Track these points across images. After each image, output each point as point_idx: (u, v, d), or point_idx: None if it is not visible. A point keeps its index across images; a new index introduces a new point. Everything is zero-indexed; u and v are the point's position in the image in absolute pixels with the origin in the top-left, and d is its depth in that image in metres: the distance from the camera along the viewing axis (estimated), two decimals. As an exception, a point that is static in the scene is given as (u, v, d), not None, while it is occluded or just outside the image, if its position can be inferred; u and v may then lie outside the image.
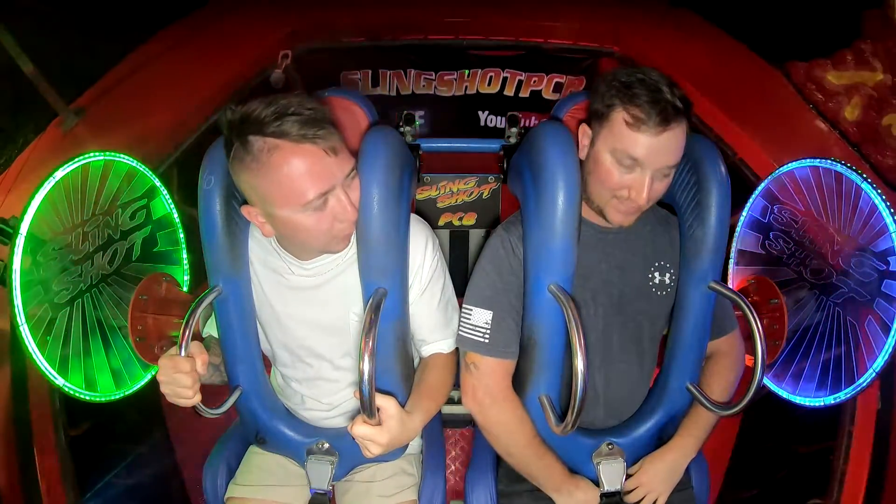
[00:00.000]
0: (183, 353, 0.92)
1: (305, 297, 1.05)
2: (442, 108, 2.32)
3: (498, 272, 1.05)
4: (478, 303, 1.05)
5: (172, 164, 1.50)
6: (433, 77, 2.27)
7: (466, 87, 2.30)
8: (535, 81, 2.28)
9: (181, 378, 0.91)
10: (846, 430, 1.30)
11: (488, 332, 1.03)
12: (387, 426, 0.92)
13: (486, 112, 2.36)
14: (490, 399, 1.04)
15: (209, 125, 1.55)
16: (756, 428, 1.59)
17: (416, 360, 1.18)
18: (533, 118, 2.32)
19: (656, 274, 1.10)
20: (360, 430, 0.90)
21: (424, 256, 1.06)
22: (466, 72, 2.26)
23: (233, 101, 1.53)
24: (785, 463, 1.51)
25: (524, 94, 2.29)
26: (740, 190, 1.46)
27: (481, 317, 1.03)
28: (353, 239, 0.99)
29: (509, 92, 2.29)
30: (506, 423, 1.04)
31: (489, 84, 2.29)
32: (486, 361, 1.04)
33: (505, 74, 2.26)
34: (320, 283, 1.04)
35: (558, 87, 2.28)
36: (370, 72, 2.25)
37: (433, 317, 1.10)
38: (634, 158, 0.92)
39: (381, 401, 0.92)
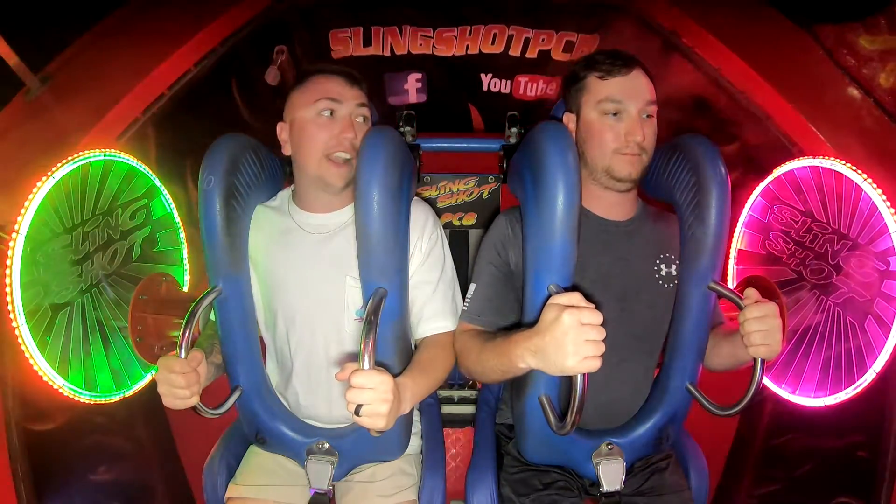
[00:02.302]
0: (182, 355, 0.92)
1: (307, 256, 1.09)
2: (441, 71, 2.11)
3: (486, 249, 1.12)
4: (472, 278, 1.13)
5: (149, 128, 1.44)
6: (431, 34, 2.01)
7: (468, 46, 2.04)
8: (543, 40, 2.02)
9: (177, 379, 0.91)
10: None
11: (469, 300, 1.11)
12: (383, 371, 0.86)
13: (490, 75, 2.15)
14: (455, 346, 1.10)
15: (180, 87, 1.47)
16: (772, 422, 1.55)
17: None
18: (540, 82, 2.13)
19: (662, 266, 1.11)
20: (359, 379, 0.82)
21: (424, 229, 1.10)
22: (468, 29, 2.00)
23: (205, 62, 1.50)
24: (808, 458, 1.45)
25: (531, 54, 2.04)
26: (764, 163, 1.42)
27: (470, 289, 1.12)
28: (349, 209, 1.09)
29: (515, 52, 2.04)
30: (463, 349, 1.08)
31: (493, 43, 2.03)
32: (460, 324, 1.12)
33: (510, 32, 2.01)
34: (321, 240, 1.10)
35: (569, 47, 2.02)
36: (361, 29, 2.00)
37: (429, 292, 1.10)
38: (617, 100, 1.03)
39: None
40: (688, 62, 1.58)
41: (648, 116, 1.04)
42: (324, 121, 1.04)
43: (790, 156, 1.35)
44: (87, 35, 1.44)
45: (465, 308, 1.11)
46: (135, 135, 1.37)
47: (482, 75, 2.15)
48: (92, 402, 1.20)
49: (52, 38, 1.42)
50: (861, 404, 1.21)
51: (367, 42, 2.02)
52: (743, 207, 1.48)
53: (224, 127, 1.73)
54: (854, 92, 1.41)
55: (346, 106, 1.04)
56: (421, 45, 2.03)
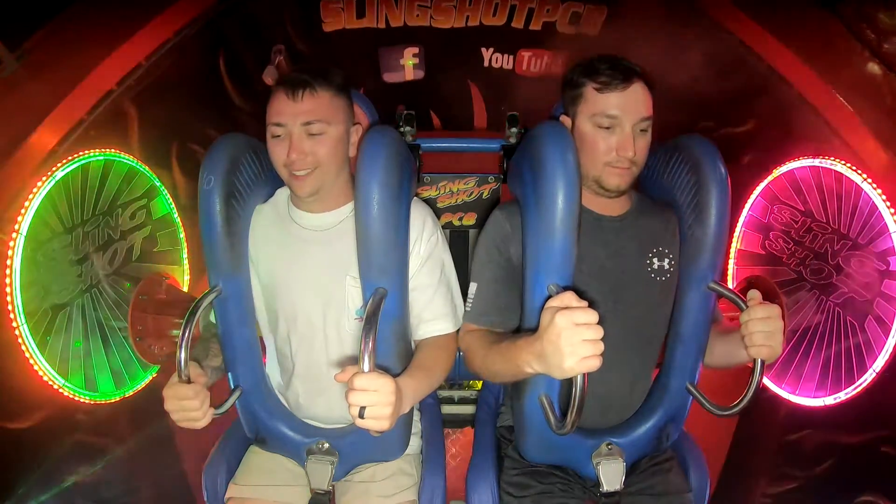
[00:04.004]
0: (182, 356, 0.92)
1: (307, 255, 1.09)
2: (440, 44, 2.00)
3: (485, 247, 1.12)
4: (471, 277, 1.13)
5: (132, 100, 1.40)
6: (428, 4, 1.92)
7: (468, 17, 1.94)
8: (548, 11, 1.92)
9: (188, 404, 0.92)
10: None
11: (472, 301, 1.11)
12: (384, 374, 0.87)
13: (492, 49, 2.04)
14: (461, 347, 1.12)
15: (159, 57, 1.42)
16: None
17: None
18: (545, 57, 2.02)
19: (654, 260, 1.10)
20: (360, 381, 0.82)
21: (423, 229, 1.09)
22: None
23: (186, 31, 1.44)
24: (827, 455, 1.39)
25: (535, 26, 1.95)
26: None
27: (471, 289, 1.12)
28: (349, 207, 1.09)
29: (518, 24, 1.95)
30: (468, 350, 1.09)
31: (494, 14, 1.94)
32: (464, 325, 1.12)
33: (513, 2, 1.92)
34: (320, 239, 1.09)
35: (576, 18, 1.93)
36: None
37: (430, 294, 1.10)
38: (612, 116, 1.01)
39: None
40: (704, 32, 1.51)
41: (643, 131, 1.04)
42: (276, 141, 1.05)
43: (815, 129, 1.31)
44: (65, 13, 1.39)
45: (468, 309, 1.11)
46: (112, 109, 1.33)
47: (483, 50, 2.04)
48: (92, 403, 1.20)
49: (31, 18, 1.39)
50: (882, 396, 1.18)
51: (361, 13, 1.91)
52: (743, 207, 1.48)
53: (210, 104, 1.67)
54: (875, 68, 1.36)
55: (289, 126, 1.03)
56: (418, 15, 1.93)
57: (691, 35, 1.55)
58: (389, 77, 2.04)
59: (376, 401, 0.82)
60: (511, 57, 2.04)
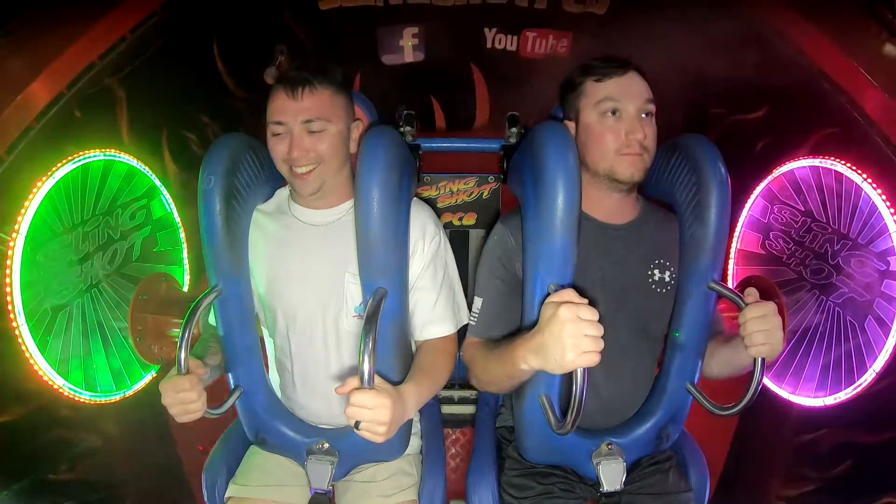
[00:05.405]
0: (182, 355, 0.92)
1: (307, 250, 1.09)
2: (440, 24, 1.92)
3: (490, 262, 1.11)
4: (476, 292, 1.13)
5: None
6: None
7: None
8: None
9: (188, 396, 0.93)
10: None
11: (477, 315, 1.11)
12: (382, 391, 0.88)
13: (494, 30, 1.95)
14: (464, 358, 1.12)
15: (144, 30, 1.37)
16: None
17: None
18: (550, 38, 1.94)
19: (656, 271, 1.10)
20: (358, 398, 0.84)
21: (426, 229, 1.10)
22: None
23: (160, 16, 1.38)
24: (845, 455, 1.34)
25: (540, 4, 1.88)
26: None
27: (476, 303, 1.11)
28: (350, 204, 1.08)
29: (522, 2, 1.87)
30: (471, 360, 1.10)
31: None
32: (468, 338, 1.12)
33: None
34: (321, 235, 1.09)
35: None
36: None
37: (433, 296, 1.10)
38: (615, 99, 1.03)
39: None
40: (717, 11, 1.43)
41: (647, 115, 1.04)
42: (277, 139, 1.05)
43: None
44: None
45: (474, 323, 1.11)
46: (95, 85, 1.28)
47: (486, 30, 1.95)
48: (91, 402, 1.20)
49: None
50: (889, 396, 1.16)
51: None
52: (743, 207, 1.48)
53: (202, 90, 1.63)
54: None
55: (289, 125, 1.03)
56: (418, -8, 1.83)
57: (704, 13, 1.46)
58: (388, 59, 1.97)
59: (371, 417, 0.85)
60: (515, 38, 1.96)
